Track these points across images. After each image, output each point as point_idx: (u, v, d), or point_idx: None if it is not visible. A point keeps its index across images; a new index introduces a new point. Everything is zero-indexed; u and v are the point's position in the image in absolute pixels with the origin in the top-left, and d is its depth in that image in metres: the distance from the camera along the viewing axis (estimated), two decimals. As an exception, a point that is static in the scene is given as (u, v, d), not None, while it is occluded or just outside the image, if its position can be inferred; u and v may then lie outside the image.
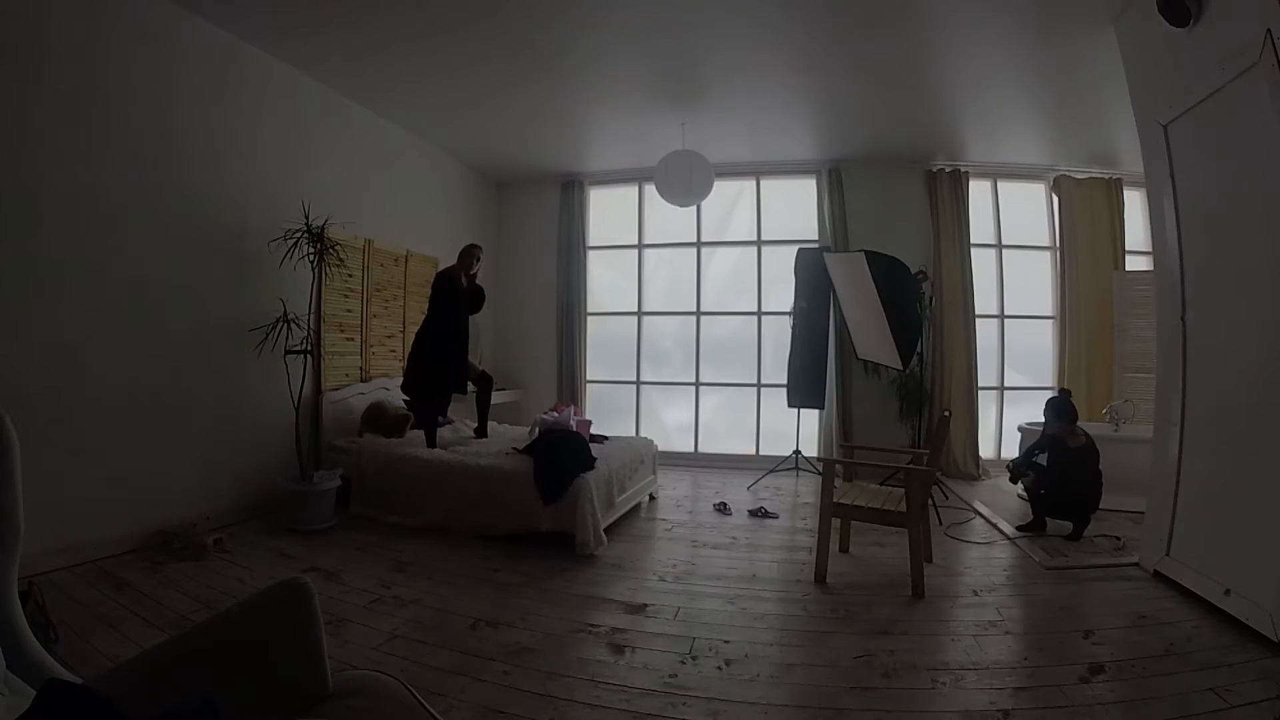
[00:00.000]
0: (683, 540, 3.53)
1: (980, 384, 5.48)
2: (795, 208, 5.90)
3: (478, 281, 4.14)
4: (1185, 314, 2.79)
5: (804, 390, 5.35)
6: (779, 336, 5.84)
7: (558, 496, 3.24)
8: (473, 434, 4.31)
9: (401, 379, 4.22)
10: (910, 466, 2.55)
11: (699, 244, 6.17)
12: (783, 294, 5.79)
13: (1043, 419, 3.77)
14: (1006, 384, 5.70)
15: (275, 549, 3.16)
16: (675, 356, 6.35)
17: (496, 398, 5.77)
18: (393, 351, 4.93)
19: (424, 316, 4.19)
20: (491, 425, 4.97)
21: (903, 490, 2.82)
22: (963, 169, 5.53)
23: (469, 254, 4.11)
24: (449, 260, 5.27)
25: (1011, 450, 4.80)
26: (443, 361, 3.95)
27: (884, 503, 2.81)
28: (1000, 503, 4.26)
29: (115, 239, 2.97)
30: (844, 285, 4.77)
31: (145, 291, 3.11)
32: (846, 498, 2.90)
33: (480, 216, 6.29)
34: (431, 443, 3.92)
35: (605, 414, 6.03)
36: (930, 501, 2.86)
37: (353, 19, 3.38)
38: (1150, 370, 3.71)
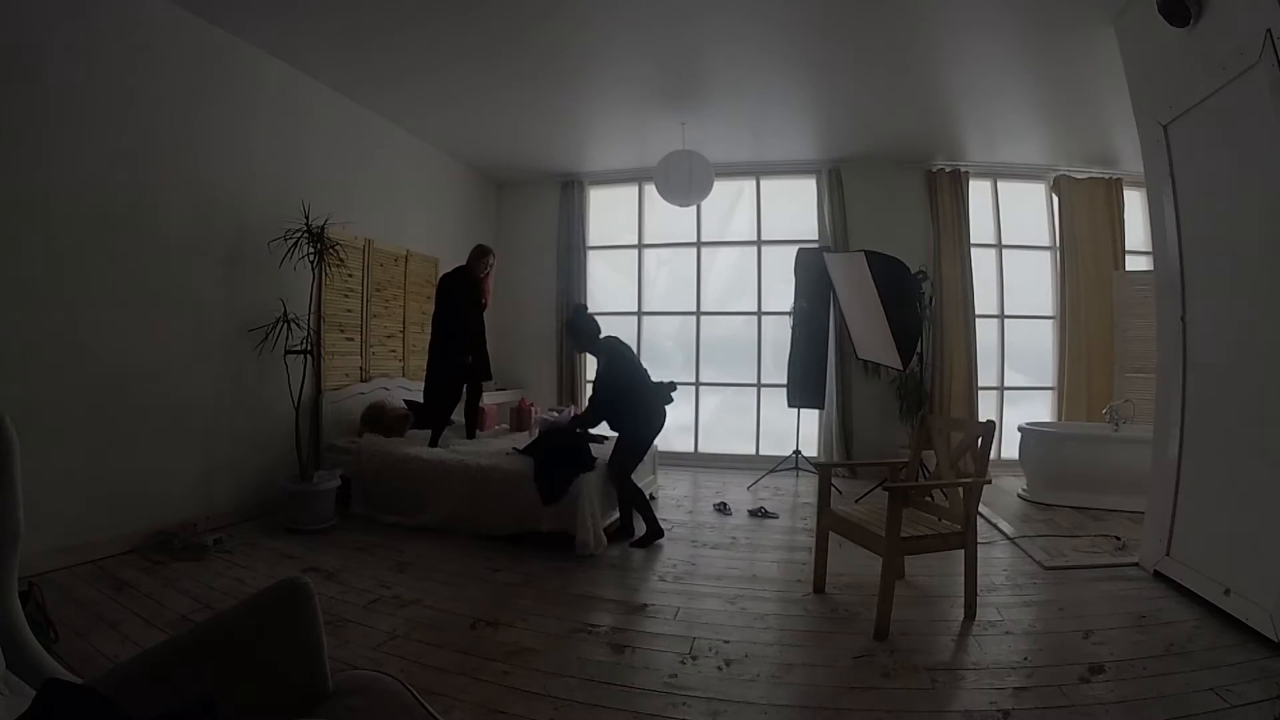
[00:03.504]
0: (683, 540, 3.53)
1: (980, 384, 5.49)
2: (795, 208, 5.90)
3: (488, 286, 4.18)
4: (1185, 314, 2.78)
5: (804, 390, 5.35)
6: (779, 336, 5.83)
7: (558, 496, 3.23)
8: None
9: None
10: (963, 481, 2.48)
11: (699, 244, 6.17)
12: (783, 294, 5.78)
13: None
14: (1006, 384, 5.71)
15: (275, 549, 3.16)
16: (675, 356, 6.34)
17: (497, 398, 5.79)
18: (392, 351, 4.93)
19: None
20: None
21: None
22: (963, 169, 5.53)
23: (483, 256, 4.15)
24: (449, 260, 5.29)
25: (1012, 450, 4.79)
26: (446, 361, 3.98)
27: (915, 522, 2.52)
28: (1000, 503, 4.26)
29: (113, 239, 2.97)
30: (844, 285, 4.77)
31: (145, 291, 3.11)
32: (867, 515, 2.61)
33: (480, 216, 6.29)
34: (434, 443, 3.94)
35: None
36: (929, 498, 2.85)
37: (350, 17, 3.38)
38: (1150, 370, 3.72)
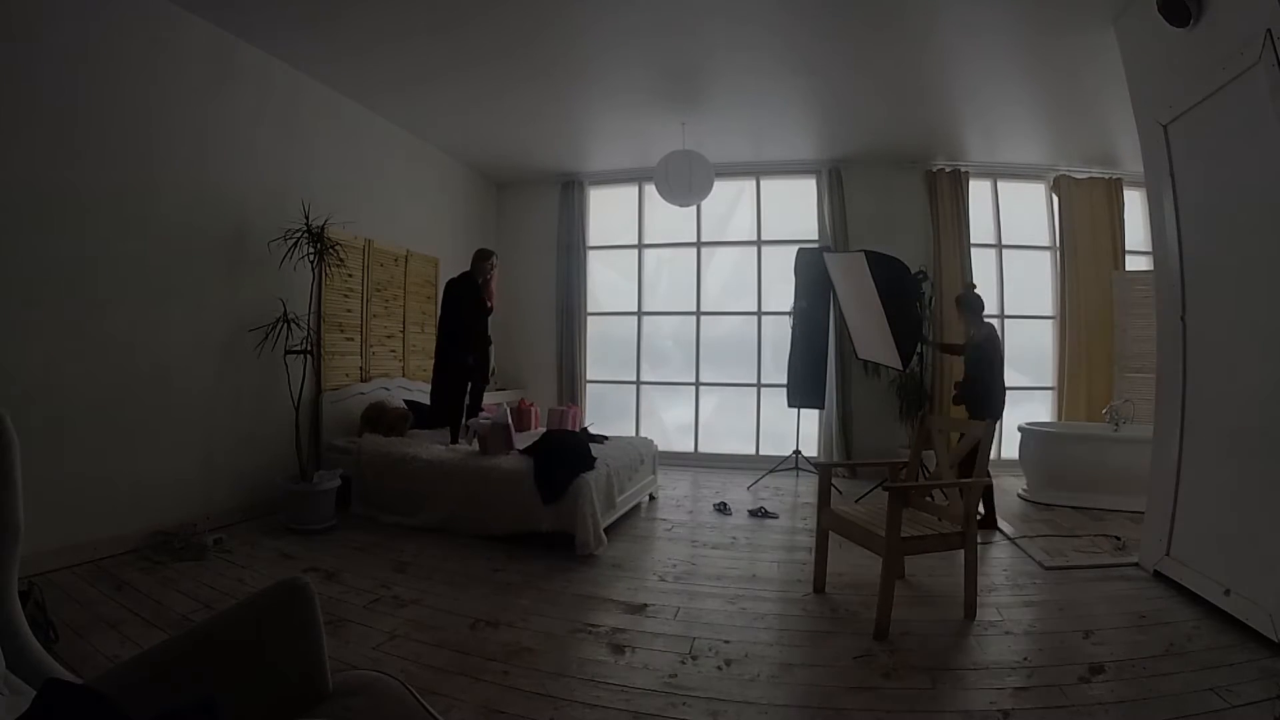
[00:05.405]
0: (683, 540, 3.53)
1: (980, 384, 5.48)
2: (795, 208, 5.91)
3: (492, 289, 4.20)
4: (1185, 314, 2.78)
5: (804, 390, 5.34)
6: (779, 336, 5.83)
7: (558, 496, 3.23)
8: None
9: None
10: (963, 481, 2.48)
11: (699, 244, 6.17)
12: (783, 294, 5.78)
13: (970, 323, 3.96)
14: (1006, 384, 5.69)
15: (275, 549, 3.16)
16: (675, 356, 6.35)
17: (496, 398, 5.79)
18: (392, 352, 4.92)
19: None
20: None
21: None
22: (963, 169, 5.53)
23: (483, 260, 4.17)
24: (449, 260, 5.30)
25: (1012, 451, 4.79)
26: (448, 364, 4.00)
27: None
28: (1000, 503, 4.24)
29: (114, 239, 2.96)
30: (844, 285, 4.77)
31: (145, 291, 3.11)
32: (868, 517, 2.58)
33: (480, 216, 6.29)
34: (455, 440, 3.98)
35: (605, 414, 6.04)
36: (929, 498, 2.85)
37: (352, 18, 3.38)
38: (1150, 370, 3.71)
